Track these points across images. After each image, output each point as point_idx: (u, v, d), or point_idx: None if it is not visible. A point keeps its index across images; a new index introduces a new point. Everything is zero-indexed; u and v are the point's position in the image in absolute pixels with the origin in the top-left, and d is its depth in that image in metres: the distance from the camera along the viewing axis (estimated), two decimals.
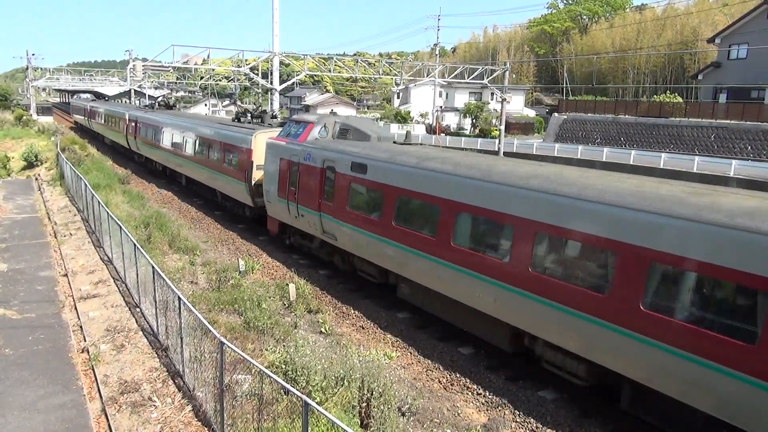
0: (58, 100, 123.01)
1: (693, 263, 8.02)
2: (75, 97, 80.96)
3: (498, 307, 10.92)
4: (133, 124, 37.05)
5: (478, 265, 11.22)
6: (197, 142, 26.16)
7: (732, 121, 42.63)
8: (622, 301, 8.71)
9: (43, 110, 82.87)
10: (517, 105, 77.46)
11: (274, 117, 25.77)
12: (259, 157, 20.24)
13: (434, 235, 12.23)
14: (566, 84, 74.34)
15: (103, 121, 47.85)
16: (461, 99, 78.43)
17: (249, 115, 26.93)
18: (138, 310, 13.33)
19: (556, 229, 9.79)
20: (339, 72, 47.36)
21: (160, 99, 49.31)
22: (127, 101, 74.10)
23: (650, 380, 8.56)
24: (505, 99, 38.14)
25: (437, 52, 77.60)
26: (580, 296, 9.26)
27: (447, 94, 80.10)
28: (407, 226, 13.04)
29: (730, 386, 7.53)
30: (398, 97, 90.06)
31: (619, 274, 8.83)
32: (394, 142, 16.70)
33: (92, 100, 63.92)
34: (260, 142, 20.39)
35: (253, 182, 20.68)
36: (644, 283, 8.47)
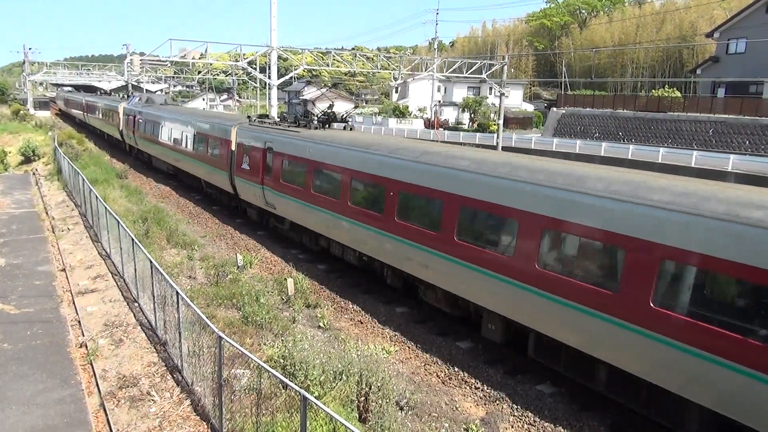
0: (55, 94, 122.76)
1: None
2: (59, 90, 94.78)
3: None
4: (86, 106, 54.50)
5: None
6: (104, 111, 45.50)
7: (730, 116, 42.56)
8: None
9: (41, 105, 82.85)
10: (515, 99, 77.27)
11: (139, 98, 41.17)
12: (122, 116, 38.51)
13: (155, 136, 30.93)
14: (565, 78, 74.13)
15: (73, 107, 65.52)
16: (460, 94, 78.21)
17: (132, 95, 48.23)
18: (136, 304, 13.33)
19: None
20: (337, 66, 47.26)
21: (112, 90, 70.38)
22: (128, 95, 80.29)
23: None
24: (504, 93, 38.06)
25: (435, 47, 77.36)
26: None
27: (445, 88, 79.88)
28: (152, 135, 31.21)
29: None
30: (396, 92, 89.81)
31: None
32: (161, 105, 34.85)
33: (69, 92, 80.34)
34: (122, 107, 38.61)
35: (120, 128, 38.61)
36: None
